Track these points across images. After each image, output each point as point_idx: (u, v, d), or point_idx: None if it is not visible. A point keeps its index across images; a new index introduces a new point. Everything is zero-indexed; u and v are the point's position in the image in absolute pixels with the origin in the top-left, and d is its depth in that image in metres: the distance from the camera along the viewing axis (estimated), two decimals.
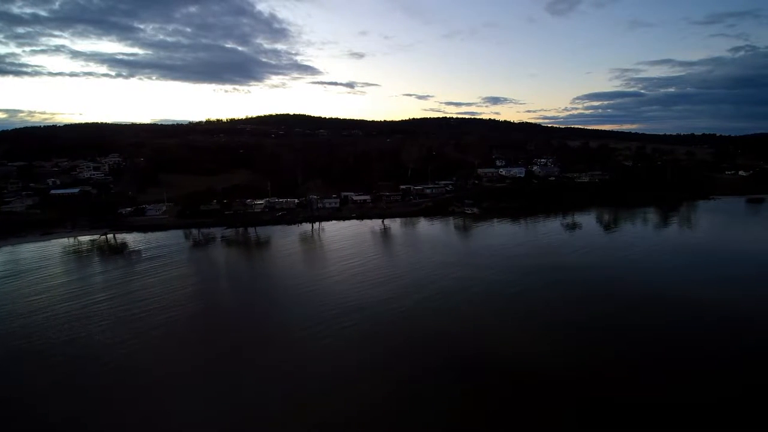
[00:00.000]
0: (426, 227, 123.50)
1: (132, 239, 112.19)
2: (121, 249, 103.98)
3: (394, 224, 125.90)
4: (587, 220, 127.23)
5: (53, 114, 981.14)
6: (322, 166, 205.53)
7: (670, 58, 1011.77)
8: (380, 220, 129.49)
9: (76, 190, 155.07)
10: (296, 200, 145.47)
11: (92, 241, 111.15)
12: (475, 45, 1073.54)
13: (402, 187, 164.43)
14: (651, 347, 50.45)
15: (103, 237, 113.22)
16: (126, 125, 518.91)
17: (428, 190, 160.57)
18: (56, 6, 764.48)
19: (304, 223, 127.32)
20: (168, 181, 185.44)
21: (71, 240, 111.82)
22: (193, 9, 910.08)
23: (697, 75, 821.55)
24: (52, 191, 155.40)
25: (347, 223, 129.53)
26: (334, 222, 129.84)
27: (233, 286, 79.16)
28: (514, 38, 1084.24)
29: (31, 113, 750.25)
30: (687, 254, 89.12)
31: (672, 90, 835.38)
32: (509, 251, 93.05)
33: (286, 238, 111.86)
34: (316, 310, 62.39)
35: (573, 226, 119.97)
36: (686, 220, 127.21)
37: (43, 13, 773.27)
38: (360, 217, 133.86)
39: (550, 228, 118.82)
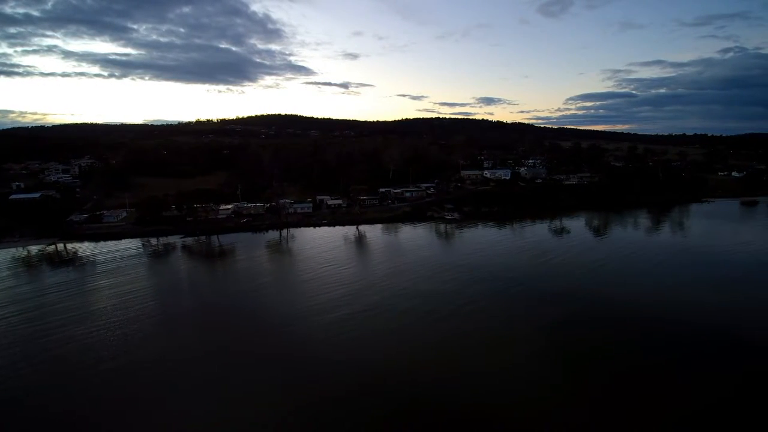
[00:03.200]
0: (401, 235, 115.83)
1: (83, 249, 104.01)
2: (65, 261, 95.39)
3: (368, 231, 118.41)
4: (571, 226, 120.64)
5: (45, 114, 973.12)
6: (303, 167, 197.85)
7: (661, 59, 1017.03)
8: (354, 227, 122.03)
9: (37, 195, 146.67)
10: (265, 205, 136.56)
11: (40, 251, 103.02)
12: (469, 46, 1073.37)
13: (381, 190, 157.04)
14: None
15: (52, 247, 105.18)
16: (116, 126, 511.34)
17: (408, 194, 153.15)
18: (49, 6, 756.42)
19: (271, 230, 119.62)
20: (142, 183, 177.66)
21: (18, 250, 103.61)
22: (186, 9, 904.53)
23: (688, 76, 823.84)
24: (12, 196, 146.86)
25: (318, 230, 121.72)
26: (303, 229, 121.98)
27: (174, 306, 71.56)
28: (507, 39, 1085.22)
29: (22, 114, 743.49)
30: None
31: (663, 90, 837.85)
32: (481, 260, 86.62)
33: (251, 247, 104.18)
34: (256, 325, 59.17)
35: (556, 232, 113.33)
36: (679, 228, 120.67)
37: (35, 13, 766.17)
38: (332, 223, 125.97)
39: (529, 234, 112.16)
